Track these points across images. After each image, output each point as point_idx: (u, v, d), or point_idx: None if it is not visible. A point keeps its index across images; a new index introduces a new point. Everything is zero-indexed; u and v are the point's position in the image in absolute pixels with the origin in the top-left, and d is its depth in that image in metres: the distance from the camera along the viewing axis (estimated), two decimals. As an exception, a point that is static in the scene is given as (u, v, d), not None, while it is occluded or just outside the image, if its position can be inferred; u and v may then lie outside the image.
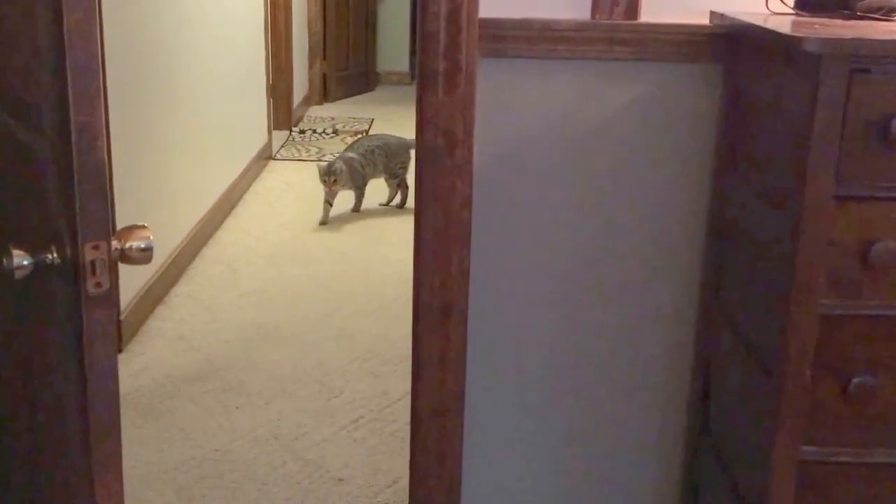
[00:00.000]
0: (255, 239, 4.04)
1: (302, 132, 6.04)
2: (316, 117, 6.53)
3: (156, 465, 2.33)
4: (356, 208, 4.42)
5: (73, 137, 0.89)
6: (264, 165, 5.22)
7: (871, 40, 1.23)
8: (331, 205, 4.29)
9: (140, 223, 1.02)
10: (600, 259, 1.69)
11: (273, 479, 2.30)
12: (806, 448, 1.33)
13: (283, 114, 5.94)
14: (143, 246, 1.01)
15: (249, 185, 4.80)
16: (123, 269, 2.93)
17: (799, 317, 1.29)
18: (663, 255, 1.69)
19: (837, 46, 1.20)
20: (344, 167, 4.22)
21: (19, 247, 0.94)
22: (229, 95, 4.49)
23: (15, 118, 1.07)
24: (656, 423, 1.77)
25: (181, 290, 3.42)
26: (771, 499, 1.36)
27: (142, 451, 2.38)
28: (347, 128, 6.18)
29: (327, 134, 6.01)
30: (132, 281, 3.01)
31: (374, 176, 4.41)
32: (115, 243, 0.99)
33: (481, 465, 1.79)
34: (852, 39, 1.23)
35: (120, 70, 2.85)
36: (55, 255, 0.95)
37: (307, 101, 6.72)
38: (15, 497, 1.15)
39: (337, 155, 4.47)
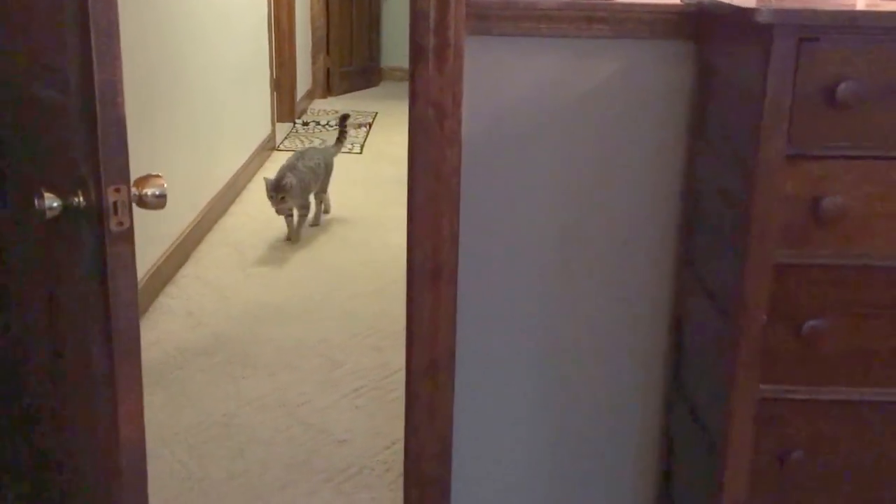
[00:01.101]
0: (259, 224, 4.17)
1: (305, 124, 6.17)
2: (319, 110, 6.66)
3: (167, 427, 2.46)
4: (293, 235, 3.90)
5: (97, 93, 1.01)
6: (268, 156, 5.35)
7: (819, 11, 1.35)
8: (292, 216, 3.92)
9: (156, 173, 1.15)
10: (582, 222, 1.81)
11: (278, 440, 2.43)
12: (763, 386, 1.46)
13: (286, 106, 6.08)
14: (157, 192, 1.14)
15: (254, 174, 4.94)
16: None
17: (754, 265, 1.41)
18: (641, 218, 1.81)
19: (787, 16, 1.32)
20: (295, 182, 3.78)
21: (51, 191, 1.07)
22: (233, 88, 4.63)
23: (46, 85, 1.20)
24: (636, 378, 1.89)
25: (188, 270, 3.56)
26: (732, 433, 1.48)
27: (153, 415, 2.51)
28: (351, 121, 6.30)
29: (331, 126, 6.14)
30: (141, 260, 3.14)
31: (313, 190, 4.06)
32: (133, 189, 1.11)
33: (472, 417, 1.92)
34: (801, 10, 1.35)
35: (125, 62, 2.97)
36: (81, 198, 1.08)
37: (311, 95, 6.85)
38: (39, 422, 1.27)
39: (290, 168, 3.91)
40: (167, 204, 1.14)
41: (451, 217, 1.76)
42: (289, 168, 3.90)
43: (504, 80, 1.75)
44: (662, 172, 1.79)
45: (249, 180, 4.84)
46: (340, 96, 7.17)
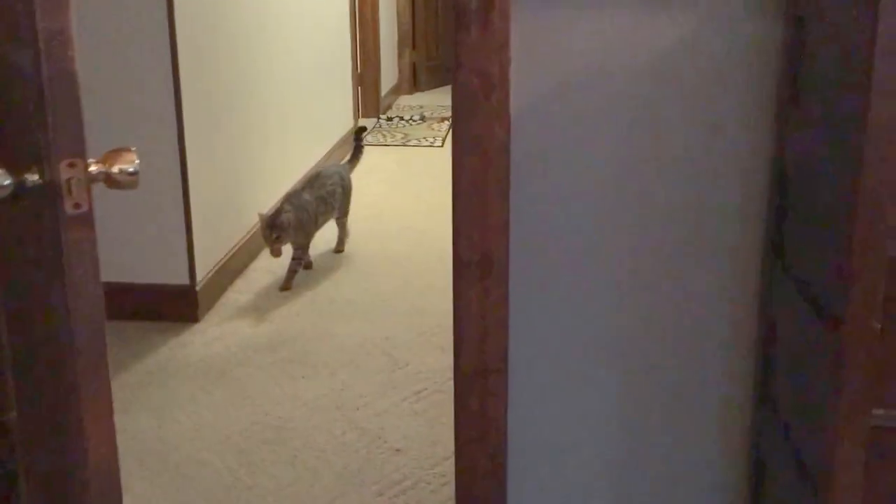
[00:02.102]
0: (336, 218, 4.05)
1: (389, 119, 6.05)
2: (405, 105, 6.54)
3: (220, 429, 2.34)
4: (286, 284, 3.24)
5: (41, 45, 0.86)
6: (349, 149, 5.25)
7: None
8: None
9: (127, 147, 0.99)
10: (654, 208, 1.58)
11: (332, 447, 2.28)
12: (877, 412, 1.19)
13: (371, 101, 5.97)
14: (130, 170, 0.98)
15: (335, 167, 4.83)
16: (201, 243, 3.01)
17: (864, 259, 1.15)
18: (723, 203, 1.56)
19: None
20: (292, 219, 3.18)
21: (1, 166, 0.92)
22: (315, 82, 4.53)
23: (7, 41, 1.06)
24: (718, 391, 1.64)
25: (260, 264, 3.46)
26: (836, 471, 1.22)
27: (207, 415, 2.40)
28: (435, 115, 6.15)
29: (414, 121, 6.00)
30: (209, 254, 3.05)
31: (325, 222, 3.46)
32: (99, 167, 0.96)
33: (529, 433, 1.71)
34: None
35: (199, 58, 2.89)
36: (35, 174, 0.93)
37: (396, 90, 6.73)
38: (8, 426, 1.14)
39: (291, 199, 3.29)
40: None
41: (499, 202, 1.56)
42: (291, 197, 3.28)
43: (560, 43, 1.53)
44: (747, 148, 1.54)
45: (329, 174, 4.74)
46: (427, 91, 7.03)
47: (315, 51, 4.54)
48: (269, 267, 3.44)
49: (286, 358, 2.74)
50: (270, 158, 3.80)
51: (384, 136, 5.63)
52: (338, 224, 3.59)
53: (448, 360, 2.69)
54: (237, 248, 3.31)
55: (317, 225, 3.38)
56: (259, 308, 3.09)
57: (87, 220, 0.92)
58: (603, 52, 1.52)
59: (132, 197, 2.94)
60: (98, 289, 0.95)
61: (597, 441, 1.69)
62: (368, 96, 5.94)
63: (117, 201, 2.99)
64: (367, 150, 5.26)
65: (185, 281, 2.91)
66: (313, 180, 3.43)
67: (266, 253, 3.58)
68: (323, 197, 3.38)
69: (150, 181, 2.95)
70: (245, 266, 3.40)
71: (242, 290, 3.22)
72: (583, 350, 1.65)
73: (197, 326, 2.90)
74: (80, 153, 0.91)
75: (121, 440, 2.26)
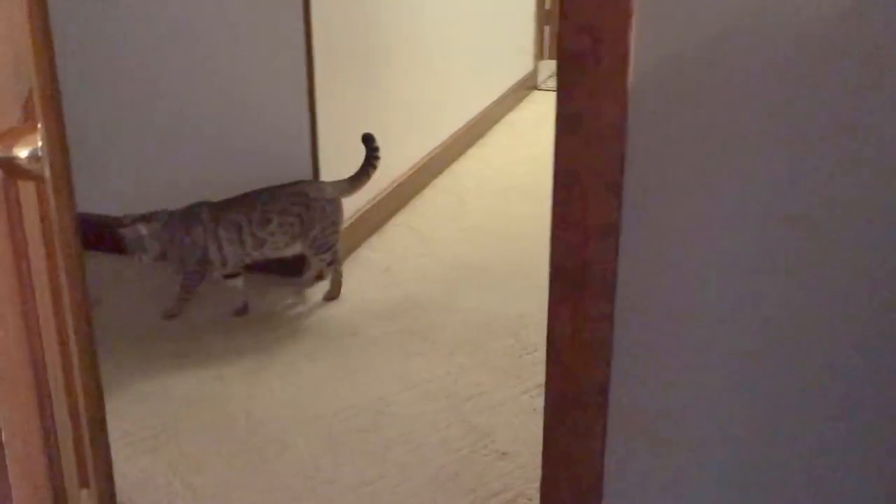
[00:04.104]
0: (493, 171, 3.75)
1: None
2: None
3: (313, 407, 2.16)
4: (170, 312, 2.53)
5: None
6: (525, 95, 4.89)
7: None
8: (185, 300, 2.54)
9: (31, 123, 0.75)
10: (819, 217, 1.17)
11: (431, 442, 2.03)
12: None
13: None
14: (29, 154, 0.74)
15: (504, 115, 4.51)
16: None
17: None
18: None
19: None
20: (144, 234, 2.43)
21: None
22: (488, 20, 4.20)
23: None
24: (880, 449, 1.23)
25: (401, 219, 3.24)
26: None
27: (306, 390, 2.23)
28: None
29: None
30: (347, 205, 2.86)
31: (279, 252, 2.56)
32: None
33: (628, 473, 1.37)
34: None
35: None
36: None
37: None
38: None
39: (176, 214, 2.49)
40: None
41: (605, 198, 1.21)
42: (179, 212, 2.48)
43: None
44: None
45: (498, 122, 4.43)
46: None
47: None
48: (411, 222, 3.21)
49: (405, 329, 2.51)
50: (421, 105, 3.53)
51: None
52: (312, 260, 2.65)
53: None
54: (375, 201, 3.10)
55: (234, 254, 2.50)
56: (390, 269, 2.88)
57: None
58: (757, 4, 1.11)
59: (259, 138, 2.81)
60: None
61: (718, 487, 1.33)
62: (555, 37, 5.53)
63: (245, 144, 2.86)
64: (544, 97, 4.92)
65: (312, 235, 2.74)
66: (247, 195, 2.52)
67: (412, 206, 3.35)
68: (251, 220, 2.47)
69: (275, 123, 2.78)
70: (384, 222, 3.19)
71: (376, 248, 3.02)
72: (703, 387, 1.28)
73: (320, 285, 2.73)
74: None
75: (208, 408, 2.16)
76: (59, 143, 1.35)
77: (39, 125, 0.74)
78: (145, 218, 2.45)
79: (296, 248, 2.58)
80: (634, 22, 1.13)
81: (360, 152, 2.72)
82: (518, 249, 3.01)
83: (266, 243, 2.52)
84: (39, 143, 0.72)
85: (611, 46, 1.14)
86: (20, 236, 0.86)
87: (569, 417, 1.33)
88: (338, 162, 2.78)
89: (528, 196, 3.46)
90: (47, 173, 0.74)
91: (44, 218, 1.05)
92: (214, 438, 2.05)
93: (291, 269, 2.76)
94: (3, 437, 0.76)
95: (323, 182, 2.66)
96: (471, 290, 2.74)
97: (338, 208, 2.61)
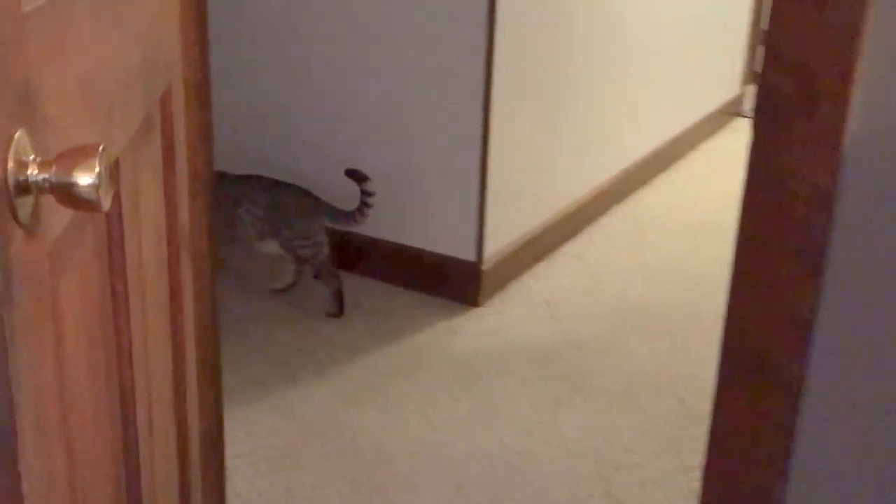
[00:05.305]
0: (682, 203, 3.45)
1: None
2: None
3: (447, 450, 1.99)
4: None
5: None
6: (727, 122, 4.50)
7: None
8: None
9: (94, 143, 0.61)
10: None
11: (568, 510, 1.82)
12: None
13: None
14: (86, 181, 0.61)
15: (700, 142, 4.17)
16: (495, 215, 2.64)
17: None
18: None
19: None
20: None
21: None
22: (693, 35, 3.88)
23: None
24: None
25: (572, 247, 3.02)
26: None
27: (442, 430, 2.06)
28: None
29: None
30: (504, 229, 2.68)
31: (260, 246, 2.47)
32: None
33: None
34: None
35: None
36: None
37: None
38: None
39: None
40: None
41: (800, 277, 0.96)
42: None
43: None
44: None
45: (693, 148, 4.10)
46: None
47: (699, 2, 3.87)
48: (581, 252, 2.99)
49: (558, 374, 2.30)
50: (605, 124, 3.29)
51: (773, 108, 4.78)
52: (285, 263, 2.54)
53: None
54: (544, 225, 2.90)
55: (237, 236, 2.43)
56: (552, 301, 2.67)
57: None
58: None
59: (427, 153, 2.67)
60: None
61: None
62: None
63: (412, 157, 2.73)
64: (743, 125, 4.52)
65: (471, 257, 2.58)
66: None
67: (587, 234, 3.13)
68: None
69: (447, 137, 2.64)
70: (552, 249, 2.98)
71: (540, 277, 2.82)
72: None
73: (475, 312, 2.57)
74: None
75: (337, 434, 2.04)
76: (203, 135, 1.26)
77: (102, 147, 0.60)
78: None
79: (271, 247, 2.45)
80: (860, 66, 0.87)
81: (533, 165, 2.53)
82: (699, 296, 2.71)
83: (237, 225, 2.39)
84: (97, 169, 0.59)
85: (826, 93, 0.88)
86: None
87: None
88: (503, 179, 2.61)
89: (719, 236, 3.12)
90: (105, 206, 0.60)
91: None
92: (338, 467, 1.93)
93: (449, 291, 2.61)
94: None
95: (310, 194, 2.44)
96: (638, 335, 2.48)
97: (311, 226, 2.42)
